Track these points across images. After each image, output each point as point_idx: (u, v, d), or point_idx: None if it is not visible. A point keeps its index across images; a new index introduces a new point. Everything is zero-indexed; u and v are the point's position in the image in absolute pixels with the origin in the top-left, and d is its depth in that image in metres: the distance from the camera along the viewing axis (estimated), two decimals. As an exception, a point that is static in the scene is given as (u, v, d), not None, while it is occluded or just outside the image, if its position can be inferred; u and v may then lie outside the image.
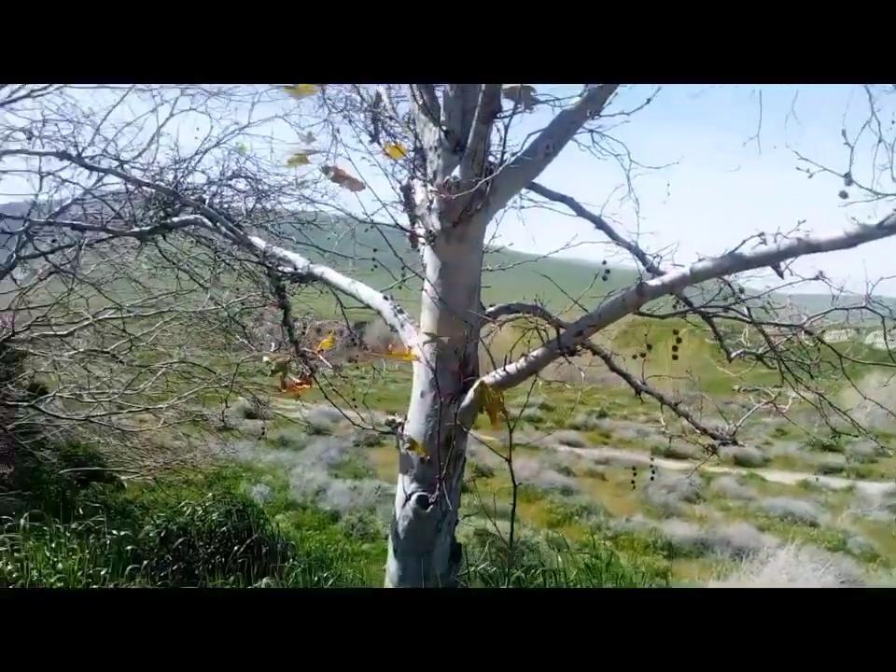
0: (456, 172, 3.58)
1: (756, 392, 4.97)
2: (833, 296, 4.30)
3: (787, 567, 10.82)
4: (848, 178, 3.08)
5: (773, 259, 3.09)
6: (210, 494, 8.75)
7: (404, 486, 3.96)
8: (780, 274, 3.19)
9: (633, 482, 11.84)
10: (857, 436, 5.15)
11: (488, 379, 3.53)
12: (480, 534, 11.03)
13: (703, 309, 4.04)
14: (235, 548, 7.52)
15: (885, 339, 4.20)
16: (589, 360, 4.06)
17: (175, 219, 5.64)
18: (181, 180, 6.15)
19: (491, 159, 3.65)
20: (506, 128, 3.53)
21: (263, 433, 10.98)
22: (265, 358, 4.46)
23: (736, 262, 3.13)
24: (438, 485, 3.72)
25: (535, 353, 3.52)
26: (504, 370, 3.55)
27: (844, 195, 3.08)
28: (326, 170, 3.48)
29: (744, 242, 3.22)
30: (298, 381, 4.39)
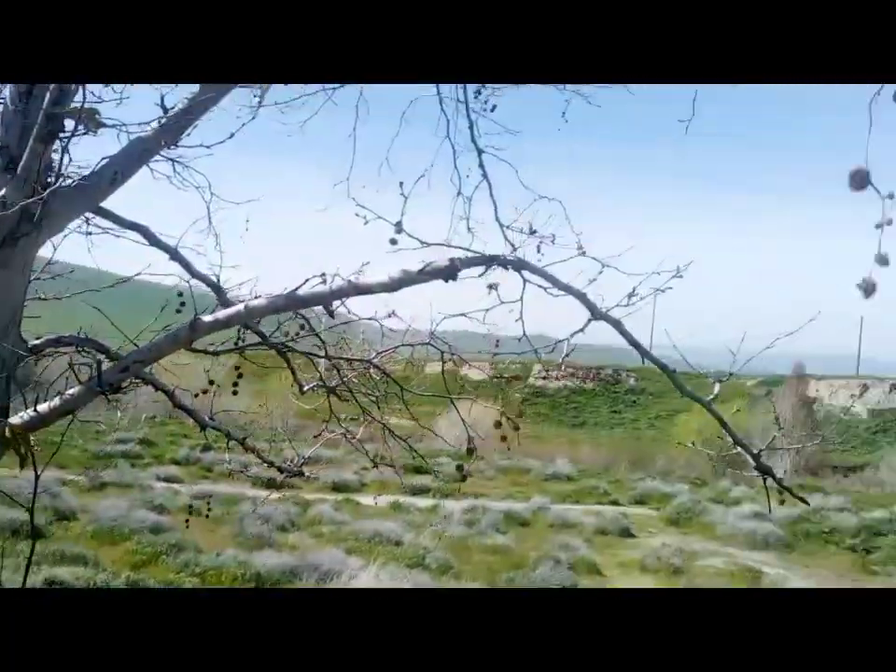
0: (4, 191, 3.25)
1: (352, 421, 5.21)
2: (403, 332, 4.66)
3: (368, 586, 11.42)
4: (398, 227, 3.36)
5: (325, 300, 3.24)
6: None
7: None
8: (331, 314, 3.36)
9: (207, 514, 11.64)
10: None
11: (15, 420, 3.19)
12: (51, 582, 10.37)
13: (270, 343, 4.09)
14: None
15: (442, 372, 4.60)
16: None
17: None
18: None
19: (52, 180, 3.38)
20: (64, 149, 3.33)
21: None
22: None
23: (291, 301, 3.23)
24: None
25: (71, 391, 3.28)
26: (35, 409, 3.23)
27: (394, 242, 3.35)
28: None
29: (306, 281, 3.33)
30: None
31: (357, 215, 3.39)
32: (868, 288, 1.82)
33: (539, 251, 4.24)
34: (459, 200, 5.12)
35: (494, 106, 5.02)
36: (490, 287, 3.63)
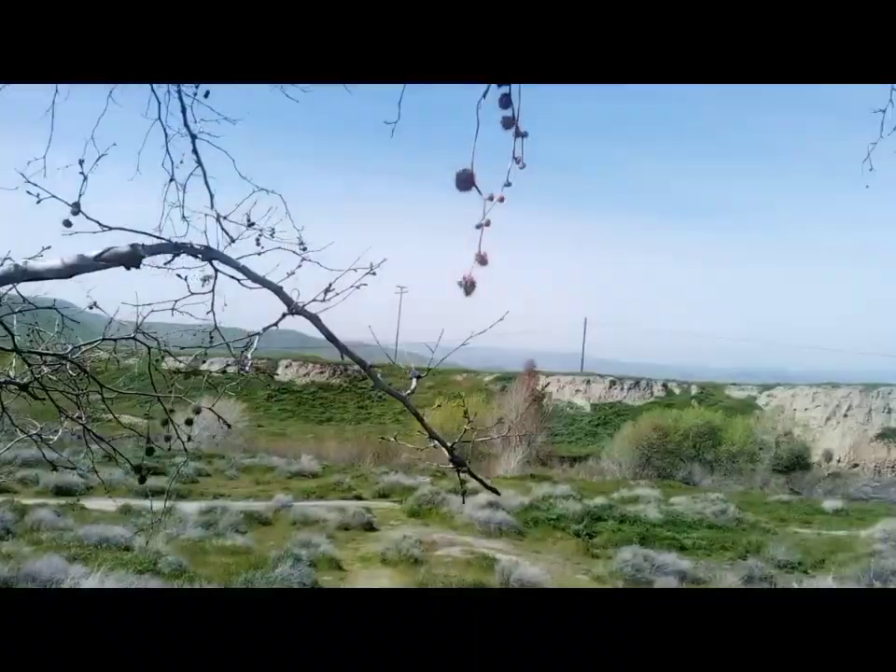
0: None
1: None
2: (106, 325, 4.32)
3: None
4: (76, 208, 3.09)
5: (-13, 285, 2.91)
6: None
7: None
8: (-5, 301, 3.04)
9: None
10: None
11: None
12: None
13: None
14: None
15: (149, 370, 4.34)
16: None
17: None
18: None
19: None
20: None
21: None
22: None
23: (-53, 286, 2.87)
24: None
25: None
26: None
27: (68, 224, 3.08)
28: None
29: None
30: None
31: (28, 192, 3.08)
32: (468, 287, 1.89)
33: (258, 244, 4.12)
34: (173, 187, 4.88)
35: (207, 92, 4.81)
36: (203, 279, 3.49)
